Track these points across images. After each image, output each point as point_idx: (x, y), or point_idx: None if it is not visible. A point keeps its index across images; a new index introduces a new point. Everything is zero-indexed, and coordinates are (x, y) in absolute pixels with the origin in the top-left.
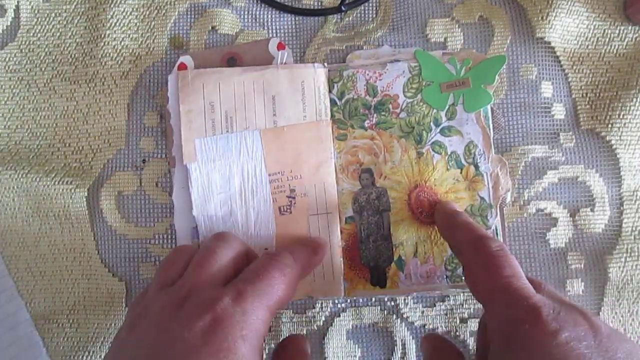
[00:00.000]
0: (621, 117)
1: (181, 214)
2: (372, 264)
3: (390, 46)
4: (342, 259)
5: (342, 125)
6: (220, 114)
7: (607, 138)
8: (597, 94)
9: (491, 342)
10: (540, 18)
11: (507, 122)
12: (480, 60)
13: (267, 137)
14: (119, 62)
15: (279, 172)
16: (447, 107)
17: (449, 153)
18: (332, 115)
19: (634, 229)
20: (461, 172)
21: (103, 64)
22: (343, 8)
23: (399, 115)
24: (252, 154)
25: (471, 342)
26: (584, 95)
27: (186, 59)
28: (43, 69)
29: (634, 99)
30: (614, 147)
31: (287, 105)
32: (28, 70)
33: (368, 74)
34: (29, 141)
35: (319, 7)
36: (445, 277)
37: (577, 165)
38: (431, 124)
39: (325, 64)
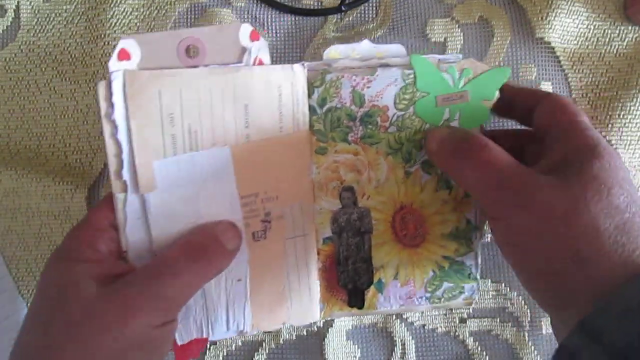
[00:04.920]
0: (621, 117)
1: (140, 253)
2: (350, 286)
3: (370, 40)
4: (318, 282)
5: (322, 137)
6: (182, 129)
7: (607, 138)
8: (597, 94)
9: (568, 154)
10: (540, 18)
11: (507, 122)
12: (482, 72)
13: (239, 154)
14: None
15: (252, 195)
16: (441, 123)
17: (439, 173)
18: (312, 126)
19: None
20: (449, 193)
21: (103, 64)
22: (343, 8)
23: (388, 129)
24: (221, 176)
25: (470, 342)
26: (584, 95)
27: (129, 45)
28: (43, 69)
29: (634, 99)
30: (614, 147)
31: (262, 115)
32: (28, 70)
33: (355, 80)
34: (29, 141)
35: (319, 7)
36: (425, 298)
37: None
38: (423, 141)
39: (304, 64)
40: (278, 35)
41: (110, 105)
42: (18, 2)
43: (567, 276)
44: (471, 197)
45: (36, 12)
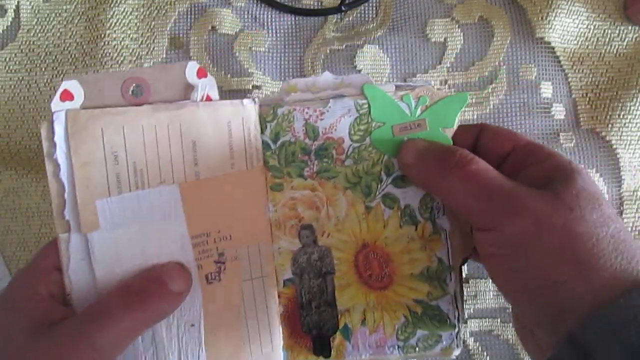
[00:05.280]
0: (621, 117)
1: (84, 296)
2: (314, 332)
3: (332, 73)
4: (280, 327)
5: (277, 173)
6: (127, 167)
7: (607, 138)
8: (597, 94)
9: (554, 178)
10: (540, 18)
11: (507, 122)
12: (439, 99)
13: (188, 192)
14: (119, 62)
15: (204, 234)
16: None
17: (402, 207)
18: (266, 162)
19: (633, 229)
20: (416, 230)
21: (103, 64)
22: (343, 8)
23: (344, 162)
24: (169, 215)
25: (471, 342)
26: (584, 95)
27: (72, 86)
28: (43, 69)
29: (634, 99)
30: (614, 147)
31: (211, 152)
32: (28, 70)
33: (307, 113)
34: (29, 141)
35: (319, 7)
36: (397, 347)
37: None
38: (382, 173)
39: (256, 100)
40: (278, 35)
41: (53, 144)
42: (18, 2)
43: (566, 285)
44: (440, 235)
45: (36, 12)
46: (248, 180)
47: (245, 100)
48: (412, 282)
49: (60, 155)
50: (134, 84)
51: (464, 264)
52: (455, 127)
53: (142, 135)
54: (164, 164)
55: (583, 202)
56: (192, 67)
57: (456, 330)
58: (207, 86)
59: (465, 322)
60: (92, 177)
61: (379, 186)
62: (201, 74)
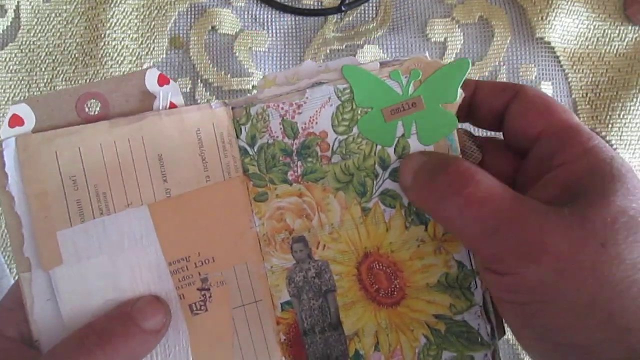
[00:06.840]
0: (621, 117)
1: (55, 340)
2: None
3: (313, 61)
4: (283, 359)
5: (259, 181)
6: (88, 191)
7: (607, 138)
8: (597, 94)
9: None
10: (540, 18)
11: None
12: (434, 70)
13: (159, 213)
14: (119, 62)
15: (183, 259)
16: (395, 141)
17: (405, 205)
18: (245, 169)
19: None
20: (426, 230)
21: (103, 64)
22: (343, 8)
23: (331, 159)
24: (141, 240)
25: None
26: (584, 95)
27: (22, 110)
28: (43, 69)
29: (634, 99)
30: (614, 147)
31: (181, 165)
32: (28, 70)
33: (282, 108)
34: None
35: (319, 7)
36: None
37: None
38: (376, 166)
39: (227, 101)
40: (278, 35)
41: (5, 175)
42: (18, 2)
43: (596, 349)
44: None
45: (36, 12)
46: (227, 192)
47: (214, 103)
48: (429, 294)
49: (14, 186)
50: (89, 100)
51: None
52: (458, 100)
53: (102, 155)
54: (129, 184)
55: (620, 234)
56: (152, 75)
57: (491, 349)
58: (170, 93)
59: (504, 334)
60: (50, 207)
61: (375, 182)
62: (162, 80)
